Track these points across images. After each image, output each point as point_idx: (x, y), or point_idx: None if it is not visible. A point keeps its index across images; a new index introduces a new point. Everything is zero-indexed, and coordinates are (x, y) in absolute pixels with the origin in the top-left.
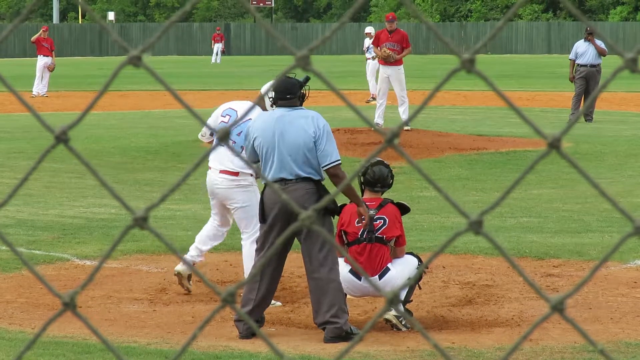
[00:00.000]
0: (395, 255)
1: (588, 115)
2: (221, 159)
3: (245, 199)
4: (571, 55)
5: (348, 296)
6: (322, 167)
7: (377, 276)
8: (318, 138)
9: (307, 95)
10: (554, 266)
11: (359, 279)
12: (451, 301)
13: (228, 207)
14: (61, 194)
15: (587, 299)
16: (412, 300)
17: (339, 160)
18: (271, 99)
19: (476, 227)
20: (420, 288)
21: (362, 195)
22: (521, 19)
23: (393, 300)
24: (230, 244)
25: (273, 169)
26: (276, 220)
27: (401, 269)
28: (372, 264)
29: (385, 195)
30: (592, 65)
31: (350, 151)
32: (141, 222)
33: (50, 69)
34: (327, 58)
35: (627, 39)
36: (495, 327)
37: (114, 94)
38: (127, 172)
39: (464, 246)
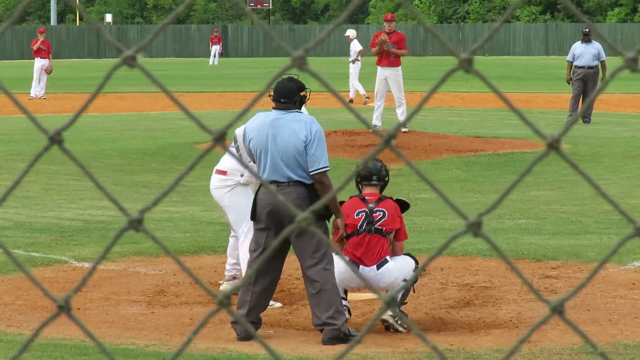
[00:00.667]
0: (394, 252)
1: (586, 117)
2: (220, 160)
3: (232, 198)
4: (568, 57)
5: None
6: (310, 172)
7: (375, 266)
8: (309, 143)
9: (307, 97)
10: (552, 268)
11: (357, 267)
12: (449, 303)
13: (222, 207)
14: (59, 196)
15: (586, 300)
16: (406, 303)
17: (327, 167)
18: (271, 97)
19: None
20: (414, 292)
21: (361, 192)
22: (519, 20)
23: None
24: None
25: (266, 172)
26: (268, 222)
27: (400, 265)
28: (371, 255)
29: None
30: (590, 67)
31: (347, 153)
32: (136, 224)
33: (48, 71)
34: (325, 60)
35: (625, 40)
36: (494, 329)
37: (112, 96)
38: (125, 174)
39: (462, 248)
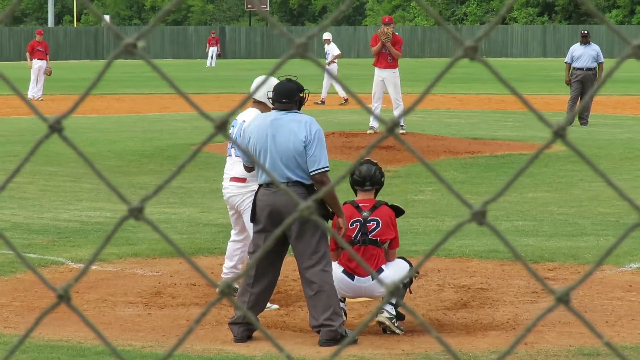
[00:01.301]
0: (387, 258)
1: (583, 119)
2: (231, 168)
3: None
4: (567, 59)
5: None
6: (310, 173)
7: (370, 276)
8: (309, 143)
9: (306, 98)
10: (549, 269)
11: (352, 278)
12: (446, 304)
13: (240, 211)
14: (56, 197)
15: (583, 302)
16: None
17: (327, 167)
18: (270, 99)
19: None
20: (410, 292)
21: (355, 197)
22: (516, 22)
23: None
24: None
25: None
26: (268, 223)
27: (394, 271)
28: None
29: (380, 198)
30: (588, 69)
31: (345, 154)
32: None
33: (47, 73)
34: (323, 61)
35: (622, 42)
36: (490, 331)
37: (110, 97)
38: (123, 176)
39: (458, 249)
